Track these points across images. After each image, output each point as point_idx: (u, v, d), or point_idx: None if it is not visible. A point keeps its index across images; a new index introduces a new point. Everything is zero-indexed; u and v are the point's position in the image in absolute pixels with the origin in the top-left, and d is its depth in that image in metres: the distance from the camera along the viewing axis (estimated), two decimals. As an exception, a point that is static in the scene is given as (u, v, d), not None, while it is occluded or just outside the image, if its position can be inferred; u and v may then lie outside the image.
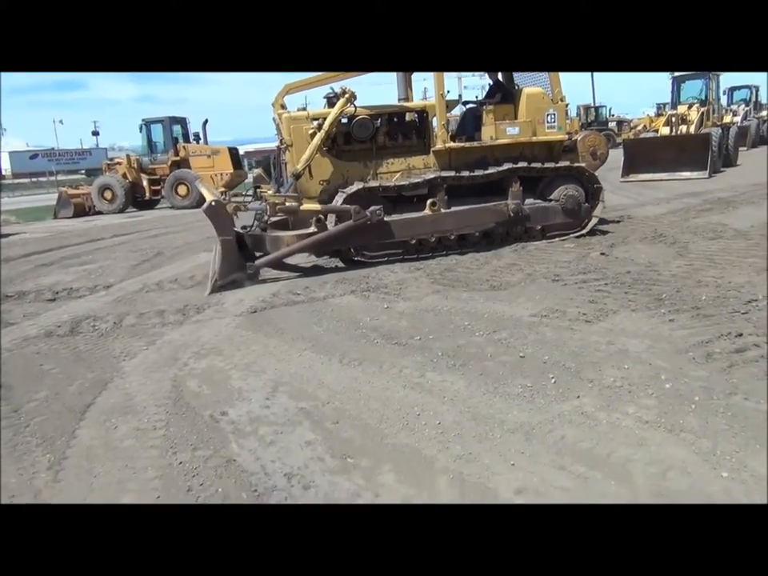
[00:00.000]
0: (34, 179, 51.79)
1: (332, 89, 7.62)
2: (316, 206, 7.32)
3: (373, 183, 7.41)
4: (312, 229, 7.11)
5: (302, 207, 7.24)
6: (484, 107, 8.03)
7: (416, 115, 8.17)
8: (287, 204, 7.22)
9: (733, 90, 26.55)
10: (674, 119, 16.26)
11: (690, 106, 17.02)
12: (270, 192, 7.79)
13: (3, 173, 52.32)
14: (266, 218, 7.34)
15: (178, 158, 18.87)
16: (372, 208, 7.01)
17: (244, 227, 7.28)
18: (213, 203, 6.75)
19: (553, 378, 3.57)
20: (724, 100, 22.23)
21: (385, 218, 7.12)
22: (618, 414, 3.07)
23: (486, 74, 9.07)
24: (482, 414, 3.20)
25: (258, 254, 7.18)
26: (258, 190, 8.53)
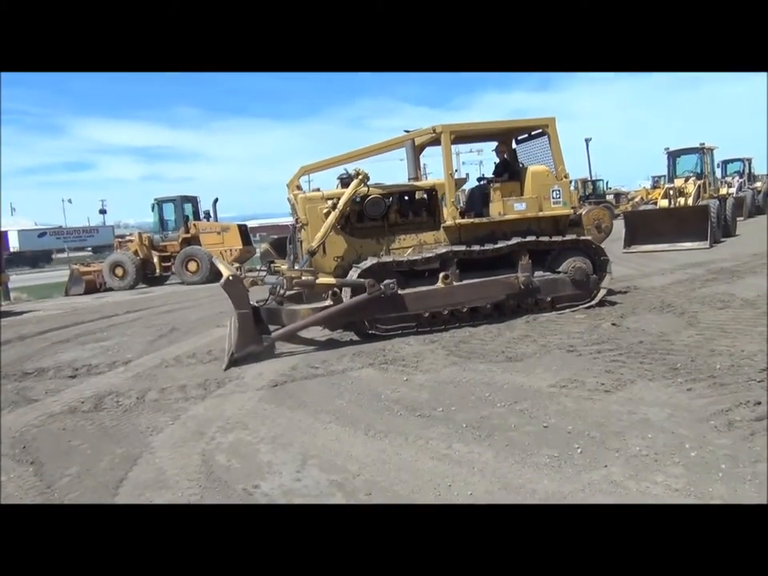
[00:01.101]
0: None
1: (346, 170, 7.97)
2: (331, 280, 7.52)
3: (386, 258, 7.63)
4: (328, 302, 7.28)
5: (317, 281, 7.45)
6: (491, 184, 8.37)
7: (425, 193, 8.49)
8: (303, 278, 7.42)
9: (726, 162, 27.38)
10: (671, 192, 16.75)
11: (686, 179, 17.56)
12: (285, 267, 8.02)
13: (11, 250, 53.15)
14: (282, 291, 7.53)
15: (188, 235, 19.32)
16: (386, 281, 7.20)
17: (258, 301, 7.46)
18: (230, 278, 6.94)
19: (578, 447, 3.63)
20: (718, 172, 22.88)
21: (398, 291, 7.30)
22: (647, 483, 3.13)
23: (493, 150, 9.46)
24: (512, 484, 3.25)
25: (273, 328, 7.32)
26: (272, 265, 8.75)
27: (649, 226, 15.47)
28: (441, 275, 7.56)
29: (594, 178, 38.25)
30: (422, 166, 10.08)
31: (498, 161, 9.19)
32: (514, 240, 7.84)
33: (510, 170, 8.71)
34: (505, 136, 9.14)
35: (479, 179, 9.68)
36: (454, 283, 7.62)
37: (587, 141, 38.07)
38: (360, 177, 7.70)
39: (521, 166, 8.91)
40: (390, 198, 8.22)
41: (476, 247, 7.79)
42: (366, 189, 7.90)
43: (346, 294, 7.43)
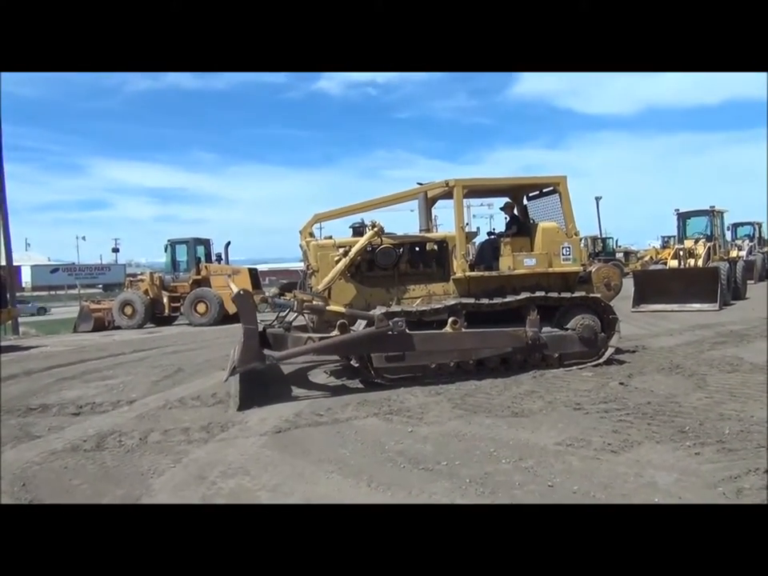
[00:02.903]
0: (52, 292, 53.14)
1: (362, 220, 8.10)
2: (341, 309, 7.56)
3: (395, 308, 7.66)
4: (335, 332, 7.30)
5: (328, 308, 7.48)
6: (502, 239, 8.46)
7: (436, 245, 8.57)
8: (314, 302, 7.45)
9: (736, 225, 27.55)
10: (681, 253, 16.81)
11: (696, 241, 17.64)
12: (298, 291, 8.06)
13: (23, 285, 53.71)
14: (289, 317, 7.59)
15: (199, 277, 19.49)
16: (395, 319, 7.21)
17: (266, 325, 7.49)
18: (241, 291, 7.01)
19: (584, 509, 3.57)
20: (728, 235, 23.00)
21: (406, 330, 7.29)
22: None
23: (500, 208, 9.61)
24: (515, 544, 3.19)
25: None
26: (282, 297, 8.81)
27: (658, 285, 15.47)
28: (450, 320, 7.56)
29: (603, 236, 38.52)
30: (433, 217, 10.19)
31: (507, 218, 9.31)
32: (523, 294, 7.87)
33: (519, 225, 8.82)
34: (516, 192, 9.28)
35: (489, 233, 9.79)
36: (463, 330, 7.61)
37: (597, 199, 38.41)
38: (376, 229, 7.82)
39: (531, 222, 9.01)
40: (402, 249, 8.32)
41: (485, 300, 7.81)
42: (380, 240, 8.01)
43: (358, 326, 7.42)
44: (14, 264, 20.78)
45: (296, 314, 8.27)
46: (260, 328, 7.32)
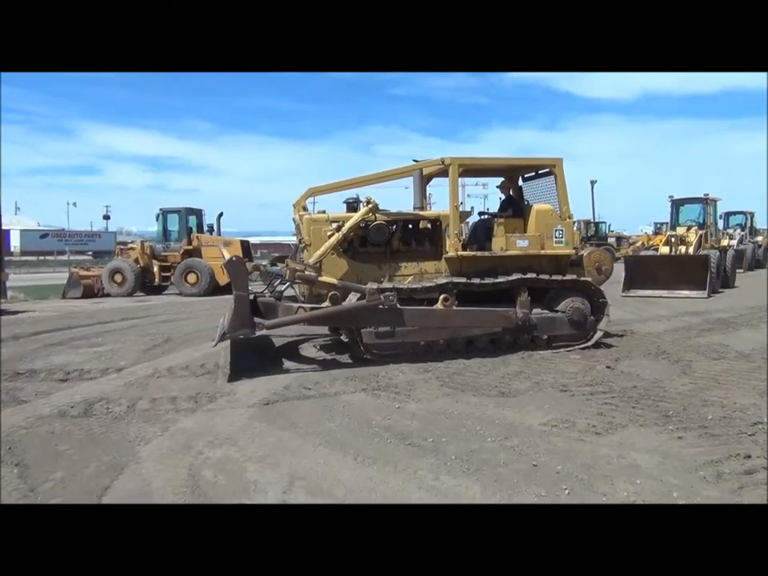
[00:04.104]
0: (41, 257, 52.67)
1: (357, 195, 8.05)
2: (333, 280, 7.55)
3: (386, 284, 7.65)
4: (326, 304, 7.31)
5: (320, 278, 7.47)
6: (496, 220, 8.44)
7: (430, 223, 8.55)
8: (306, 272, 7.44)
9: (729, 214, 27.66)
10: (673, 239, 16.88)
11: (688, 228, 17.70)
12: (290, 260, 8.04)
13: (12, 250, 53.18)
14: (281, 287, 7.58)
15: (190, 247, 19.37)
16: (386, 293, 7.22)
17: (257, 294, 7.49)
18: (234, 258, 6.99)
19: (566, 488, 3.62)
20: (720, 224, 23.09)
21: (397, 305, 7.31)
22: (633, 529, 3.11)
23: (496, 187, 9.57)
24: (498, 521, 3.24)
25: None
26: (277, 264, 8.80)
27: (649, 271, 15.55)
28: (441, 297, 7.56)
29: (596, 220, 38.56)
30: (427, 195, 10.14)
31: (502, 197, 9.28)
32: (515, 276, 7.88)
33: (514, 206, 8.80)
34: (512, 172, 9.25)
35: (480, 214, 9.77)
36: (453, 307, 7.62)
37: (592, 183, 38.34)
38: (370, 206, 7.78)
39: (526, 203, 9.00)
40: (395, 226, 8.29)
41: (476, 280, 7.82)
42: (374, 217, 7.98)
43: (349, 300, 7.43)
44: (3, 228, 20.55)
45: (287, 284, 8.25)
46: (251, 297, 7.31)
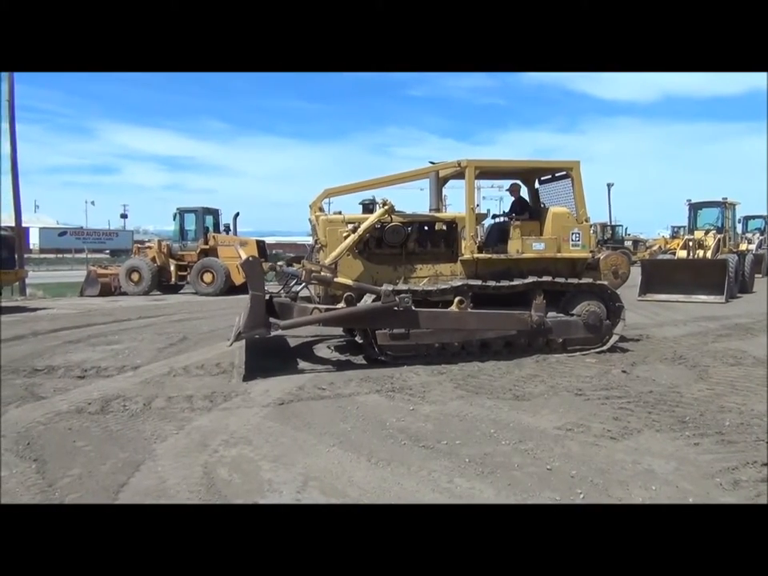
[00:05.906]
0: (59, 255, 53.26)
1: (373, 197, 8.07)
2: (349, 281, 7.57)
3: (402, 286, 7.66)
4: (341, 305, 7.34)
5: (336, 279, 7.50)
6: (512, 222, 8.42)
7: (445, 225, 8.54)
8: (323, 273, 7.47)
9: (748, 218, 27.29)
10: (691, 243, 16.72)
11: (706, 232, 17.52)
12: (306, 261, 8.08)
13: (31, 247, 53.83)
14: (297, 288, 7.62)
15: (207, 247, 19.52)
16: (401, 295, 7.24)
17: (272, 294, 7.54)
18: (250, 258, 7.04)
19: (581, 493, 3.61)
20: (739, 228, 22.82)
21: (412, 307, 7.31)
22: (648, 535, 3.09)
23: (506, 190, 9.56)
24: (512, 525, 3.23)
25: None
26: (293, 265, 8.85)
27: (666, 275, 15.42)
28: (456, 299, 7.56)
29: (613, 223, 38.28)
30: (443, 197, 10.14)
31: (513, 199, 9.26)
32: (530, 278, 7.86)
33: (529, 209, 8.77)
34: (528, 175, 9.22)
35: (493, 216, 9.75)
36: (468, 310, 7.61)
37: (609, 186, 38.05)
38: (387, 207, 7.80)
39: (542, 206, 8.97)
40: (410, 227, 8.29)
41: (492, 282, 7.81)
42: (390, 218, 7.99)
43: (364, 302, 7.45)
44: (23, 225, 20.81)
45: (302, 285, 8.29)
46: (266, 296, 7.35)
